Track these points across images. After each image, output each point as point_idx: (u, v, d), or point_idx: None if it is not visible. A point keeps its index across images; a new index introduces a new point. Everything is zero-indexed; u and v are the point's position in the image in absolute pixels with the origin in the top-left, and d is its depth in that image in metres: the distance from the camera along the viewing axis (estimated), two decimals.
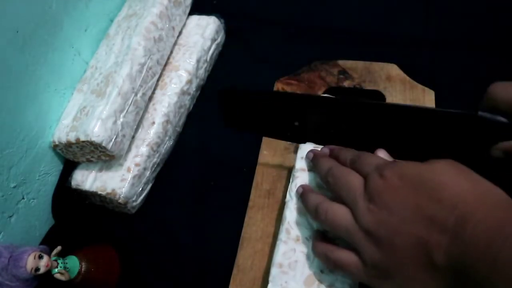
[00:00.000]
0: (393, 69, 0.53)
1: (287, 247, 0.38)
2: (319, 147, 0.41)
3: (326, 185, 0.36)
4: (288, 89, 0.55)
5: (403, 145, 0.37)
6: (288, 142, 0.51)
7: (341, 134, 0.38)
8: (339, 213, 0.32)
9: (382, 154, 0.35)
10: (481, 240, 0.24)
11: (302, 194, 0.38)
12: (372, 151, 0.36)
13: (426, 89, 0.52)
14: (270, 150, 0.51)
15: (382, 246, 0.29)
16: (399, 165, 0.31)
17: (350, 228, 0.31)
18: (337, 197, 0.34)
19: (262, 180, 0.49)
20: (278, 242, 0.38)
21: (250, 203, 0.48)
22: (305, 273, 0.36)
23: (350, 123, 0.37)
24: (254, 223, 0.46)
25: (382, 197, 0.30)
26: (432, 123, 0.33)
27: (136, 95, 0.49)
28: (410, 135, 0.36)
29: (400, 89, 0.52)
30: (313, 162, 0.39)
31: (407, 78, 0.53)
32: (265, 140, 0.52)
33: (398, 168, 0.30)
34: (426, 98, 0.52)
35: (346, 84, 0.53)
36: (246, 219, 0.47)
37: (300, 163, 0.41)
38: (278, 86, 0.56)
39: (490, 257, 0.24)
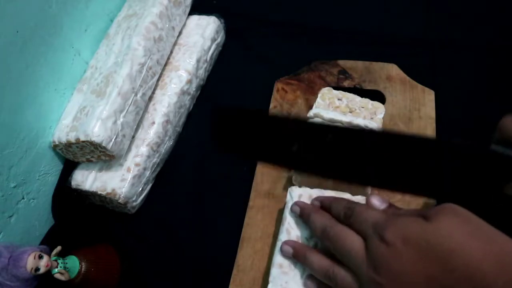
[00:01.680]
0: (393, 69, 0.53)
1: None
2: (307, 190, 0.39)
3: (323, 244, 0.34)
4: (288, 89, 0.55)
5: (408, 178, 0.34)
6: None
7: (337, 162, 0.35)
8: (349, 242, 0.30)
9: (376, 202, 0.33)
10: None
11: (303, 213, 0.36)
12: (373, 180, 0.33)
13: (426, 89, 0.52)
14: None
15: None
16: (399, 224, 0.28)
17: (361, 261, 0.29)
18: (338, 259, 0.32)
19: (262, 180, 0.49)
20: (278, 243, 0.38)
21: (250, 203, 0.48)
22: (305, 273, 0.37)
23: (348, 151, 0.34)
24: (254, 223, 0.46)
25: (388, 266, 0.27)
26: (438, 155, 0.30)
27: (136, 95, 0.49)
28: (415, 167, 0.33)
29: (400, 89, 0.53)
30: (303, 218, 0.36)
31: (407, 78, 0.53)
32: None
33: (400, 230, 0.28)
34: (426, 98, 0.52)
35: (346, 84, 0.53)
36: (246, 219, 0.47)
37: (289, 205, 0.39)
38: (278, 86, 0.56)
39: None
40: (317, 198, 0.37)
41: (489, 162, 0.29)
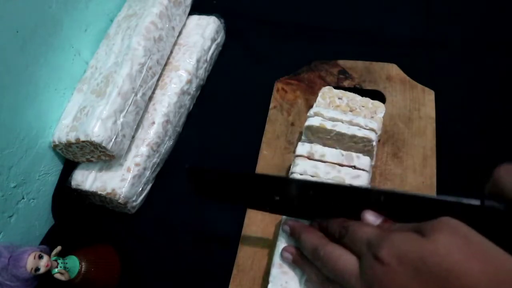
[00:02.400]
0: (393, 69, 0.53)
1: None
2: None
3: (314, 264, 0.33)
4: (288, 89, 0.55)
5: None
6: (288, 142, 0.51)
7: (326, 211, 0.34)
8: (341, 262, 0.29)
9: (371, 217, 0.32)
10: None
11: (294, 232, 0.35)
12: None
13: (426, 89, 0.52)
14: (270, 150, 0.51)
15: None
16: (395, 241, 0.27)
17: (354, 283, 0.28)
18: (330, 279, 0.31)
19: None
20: (278, 243, 0.38)
21: None
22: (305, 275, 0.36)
23: (337, 204, 0.33)
24: (254, 223, 0.46)
25: (382, 286, 0.26)
26: (431, 213, 0.28)
27: (136, 95, 0.49)
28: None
29: (400, 89, 0.53)
30: (294, 237, 0.35)
31: (407, 78, 0.53)
32: (265, 140, 0.52)
33: (395, 248, 0.27)
34: (426, 98, 0.52)
35: (346, 84, 0.54)
36: (246, 220, 0.47)
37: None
38: (278, 86, 0.56)
39: None
40: (286, 223, 0.36)
41: (484, 217, 0.28)
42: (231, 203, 0.40)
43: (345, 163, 0.41)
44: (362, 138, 0.42)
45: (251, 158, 0.51)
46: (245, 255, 0.45)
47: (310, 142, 0.44)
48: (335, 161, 0.41)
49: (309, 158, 0.41)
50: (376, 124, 0.42)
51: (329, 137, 0.43)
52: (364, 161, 0.41)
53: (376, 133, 0.42)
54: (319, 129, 0.42)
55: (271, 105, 0.54)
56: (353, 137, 0.42)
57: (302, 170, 0.40)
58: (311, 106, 0.48)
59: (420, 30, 0.60)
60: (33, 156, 0.47)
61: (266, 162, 0.50)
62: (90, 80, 0.51)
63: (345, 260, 0.29)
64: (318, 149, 0.41)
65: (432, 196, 0.30)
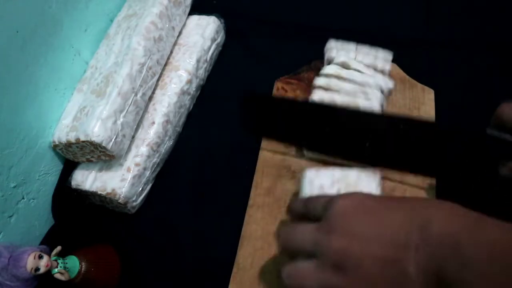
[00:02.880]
0: (393, 68, 0.53)
1: (313, 187, 0.38)
2: (321, 170, 0.40)
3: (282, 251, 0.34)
4: (288, 88, 0.55)
5: (409, 160, 0.37)
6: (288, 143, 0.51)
7: (343, 145, 0.38)
8: (301, 269, 0.30)
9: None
10: (445, 240, 0.25)
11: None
12: (377, 160, 0.36)
13: (426, 88, 0.52)
14: (269, 149, 0.51)
15: (350, 274, 0.28)
16: (348, 195, 0.31)
17: (317, 277, 0.29)
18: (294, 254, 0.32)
19: (262, 178, 0.49)
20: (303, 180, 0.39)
21: (250, 202, 0.48)
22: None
23: (352, 133, 0.37)
24: (254, 221, 0.46)
25: (340, 223, 0.29)
26: (438, 139, 0.33)
27: (136, 95, 0.49)
28: (415, 150, 0.36)
29: (400, 88, 0.53)
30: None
31: (407, 77, 0.53)
32: (265, 140, 0.52)
33: (350, 196, 0.30)
34: (426, 97, 0.52)
35: None
36: (246, 218, 0.47)
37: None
38: (278, 85, 0.56)
39: (457, 254, 0.24)
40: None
41: (485, 145, 0.31)
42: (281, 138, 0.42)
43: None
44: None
45: (251, 158, 0.51)
46: (245, 254, 0.44)
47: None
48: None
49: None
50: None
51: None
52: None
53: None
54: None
55: None
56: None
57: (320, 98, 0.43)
58: None
59: (420, 30, 0.60)
60: (33, 156, 0.47)
61: (266, 162, 0.50)
62: (90, 80, 0.51)
63: (302, 227, 0.31)
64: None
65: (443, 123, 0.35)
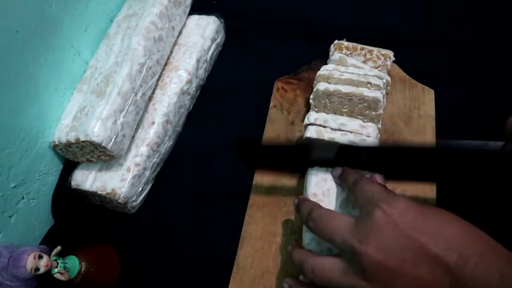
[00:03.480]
0: (393, 68, 0.53)
1: (318, 178, 0.39)
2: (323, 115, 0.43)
3: (309, 230, 0.35)
4: (288, 88, 0.55)
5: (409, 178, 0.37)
6: (288, 141, 0.51)
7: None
8: (327, 267, 0.31)
9: (378, 178, 0.35)
10: (481, 279, 0.25)
11: (298, 206, 0.37)
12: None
13: (426, 88, 0.52)
14: None
15: (379, 287, 0.28)
16: (400, 202, 0.30)
17: (342, 279, 0.30)
18: (324, 241, 0.33)
19: (262, 178, 0.49)
20: (309, 177, 0.40)
21: (250, 202, 0.48)
22: (339, 198, 0.38)
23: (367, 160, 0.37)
24: (254, 221, 0.46)
25: (379, 235, 0.29)
26: (440, 164, 0.33)
27: (136, 95, 0.49)
28: (415, 173, 0.36)
29: (400, 87, 0.53)
30: (296, 207, 0.38)
31: (407, 77, 0.53)
32: (265, 139, 0.52)
33: (397, 202, 0.30)
34: (426, 97, 0.52)
35: None
36: (246, 218, 0.47)
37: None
38: (278, 85, 0.56)
39: None
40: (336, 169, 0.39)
41: (500, 160, 0.31)
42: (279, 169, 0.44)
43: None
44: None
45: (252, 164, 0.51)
46: (245, 254, 0.44)
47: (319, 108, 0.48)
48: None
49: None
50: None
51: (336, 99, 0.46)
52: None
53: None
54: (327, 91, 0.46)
55: (271, 104, 0.54)
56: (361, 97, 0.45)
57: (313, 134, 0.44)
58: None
59: (420, 29, 0.60)
60: (33, 156, 0.47)
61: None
62: (90, 80, 0.51)
63: (338, 219, 0.31)
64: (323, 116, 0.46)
65: (453, 143, 0.33)
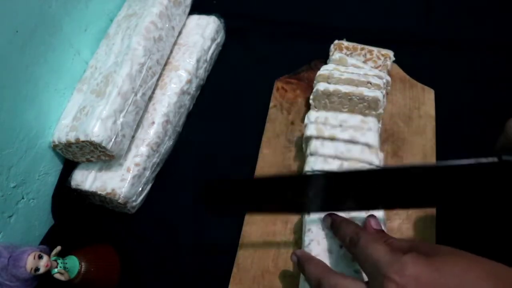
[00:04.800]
0: (393, 68, 0.53)
1: (316, 229, 0.38)
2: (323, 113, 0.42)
3: None
4: (288, 88, 0.55)
5: (419, 202, 0.35)
6: (288, 141, 0.51)
7: (341, 201, 0.36)
8: None
9: (374, 223, 0.33)
10: None
11: (300, 262, 0.35)
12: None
13: (426, 87, 0.52)
14: (270, 149, 0.51)
15: None
16: (407, 264, 0.27)
17: None
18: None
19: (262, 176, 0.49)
20: (306, 227, 0.38)
21: None
22: (340, 252, 0.36)
23: (351, 191, 0.34)
24: (254, 221, 0.46)
25: None
26: (452, 179, 0.30)
27: (136, 95, 0.49)
28: (423, 194, 0.33)
29: (400, 87, 0.53)
30: (299, 265, 0.35)
31: (407, 76, 0.53)
32: (265, 139, 0.52)
33: (408, 270, 0.27)
34: (426, 97, 0.52)
35: None
36: (245, 218, 0.47)
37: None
38: (278, 85, 0.56)
39: None
40: (328, 216, 0.37)
41: (501, 171, 0.29)
42: (243, 212, 0.41)
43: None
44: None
45: (251, 157, 0.51)
46: (245, 254, 0.44)
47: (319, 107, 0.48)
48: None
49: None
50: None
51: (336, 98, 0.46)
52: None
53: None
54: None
55: (271, 104, 0.54)
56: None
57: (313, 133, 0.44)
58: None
59: (420, 29, 0.60)
60: (32, 156, 0.47)
61: (266, 161, 0.50)
62: (90, 80, 0.51)
63: (376, 246, 0.29)
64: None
65: (447, 162, 0.30)
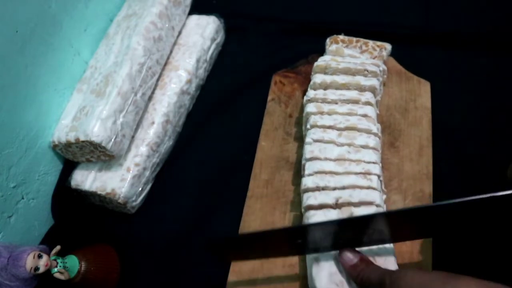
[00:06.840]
0: (389, 61, 0.54)
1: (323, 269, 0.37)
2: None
3: None
4: (286, 82, 0.55)
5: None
6: (286, 133, 0.51)
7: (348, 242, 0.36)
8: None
9: (349, 256, 0.35)
10: None
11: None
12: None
13: (422, 80, 0.53)
14: (268, 141, 0.51)
15: None
16: None
17: None
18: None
19: (260, 170, 0.49)
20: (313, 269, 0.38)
21: (249, 193, 0.48)
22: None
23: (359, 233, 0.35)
24: (253, 212, 0.46)
25: None
26: (468, 216, 0.31)
27: (135, 95, 0.49)
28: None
29: (396, 80, 0.53)
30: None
31: (403, 70, 0.54)
32: (263, 131, 0.52)
33: None
34: (422, 89, 0.52)
35: None
36: (244, 209, 0.47)
37: None
38: (276, 79, 0.56)
39: None
40: (354, 255, 0.36)
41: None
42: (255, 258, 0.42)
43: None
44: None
45: (251, 157, 0.51)
46: None
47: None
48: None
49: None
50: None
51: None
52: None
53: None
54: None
55: (269, 98, 0.55)
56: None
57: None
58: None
59: (417, 23, 0.60)
60: (32, 156, 0.47)
61: (265, 153, 0.50)
62: (90, 80, 0.51)
63: None
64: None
65: (461, 199, 0.30)
